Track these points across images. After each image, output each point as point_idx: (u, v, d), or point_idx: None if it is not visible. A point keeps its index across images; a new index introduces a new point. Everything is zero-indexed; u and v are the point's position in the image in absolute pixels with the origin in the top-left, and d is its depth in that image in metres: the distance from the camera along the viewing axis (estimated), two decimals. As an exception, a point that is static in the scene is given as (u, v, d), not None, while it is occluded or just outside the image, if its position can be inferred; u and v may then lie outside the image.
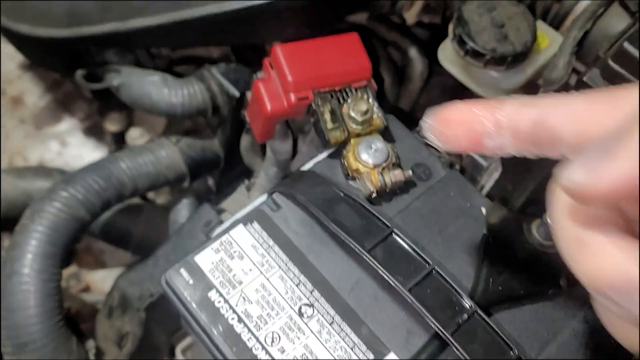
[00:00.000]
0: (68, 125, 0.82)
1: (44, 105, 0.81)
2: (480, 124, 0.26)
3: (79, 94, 0.83)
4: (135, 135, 0.72)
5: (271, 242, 0.43)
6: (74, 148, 0.81)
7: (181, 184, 0.65)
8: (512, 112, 0.25)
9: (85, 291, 0.78)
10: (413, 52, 0.74)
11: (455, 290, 0.39)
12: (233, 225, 0.44)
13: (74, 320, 0.65)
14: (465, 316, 0.38)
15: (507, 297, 0.41)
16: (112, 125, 0.74)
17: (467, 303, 0.39)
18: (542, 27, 0.57)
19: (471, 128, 0.26)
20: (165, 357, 0.63)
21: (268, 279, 0.42)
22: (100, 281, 0.81)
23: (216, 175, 0.70)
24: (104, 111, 0.75)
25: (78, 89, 0.84)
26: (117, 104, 0.65)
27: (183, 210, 0.67)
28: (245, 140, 0.64)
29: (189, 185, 0.66)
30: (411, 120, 0.61)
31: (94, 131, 0.82)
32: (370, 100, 0.49)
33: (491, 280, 0.41)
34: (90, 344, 0.59)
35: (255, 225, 0.44)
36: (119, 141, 0.75)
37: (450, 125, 0.27)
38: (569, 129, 0.23)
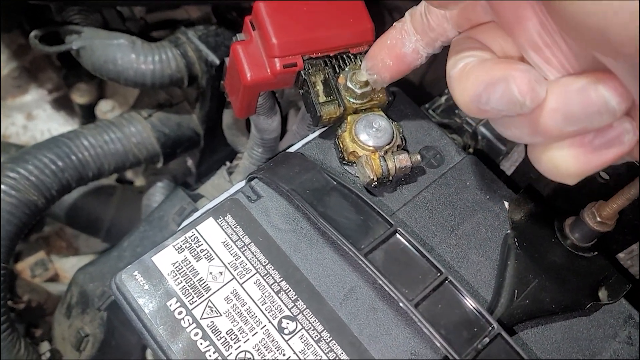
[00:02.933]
0: (35, 97, 0.73)
1: (8, 74, 0.73)
2: (395, 37, 0.32)
3: (48, 62, 0.74)
4: (105, 109, 0.64)
5: (247, 240, 0.35)
6: (41, 122, 0.73)
7: (155, 165, 0.57)
8: (409, 13, 0.31)
9: (53, 280, 0.70)
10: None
11: (473, 305, 0.31)
12: (201, 218, 0.36)
13: (31, 316, 0.58)
14: (486, 339, 0.30)
15: (535, 312, 0.34)
16: (79, 96, 0.66)
17: (488, 322, 0.31)
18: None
19: (391, 46, 0.32)
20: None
21: (242, 285, 0.34)
22: (71, 269, 0.74)
23: (196, 156, 0.62)
24: (71, 81, 0.67)
25: (48, 56, 0.75)
26: (87, 72, 0.56)
27: (157, 194, 0.60)
28: (227, 116, 0.56)
29: (163, 165, 0.58)
30: (421, 96, 0.52)
31: (64, 104, 0.73)
32: (372, 68, 0.40)
33: (516, 291, 0.34)
34: (45, 346, 0.51)
35: (229, 218, 0.36)
36: (87, 115, 0.67)
37: (377, 53, 0.33)
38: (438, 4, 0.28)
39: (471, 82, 0.25)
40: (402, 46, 0.32)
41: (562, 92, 0.23)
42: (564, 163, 0.25)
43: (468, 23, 0.29)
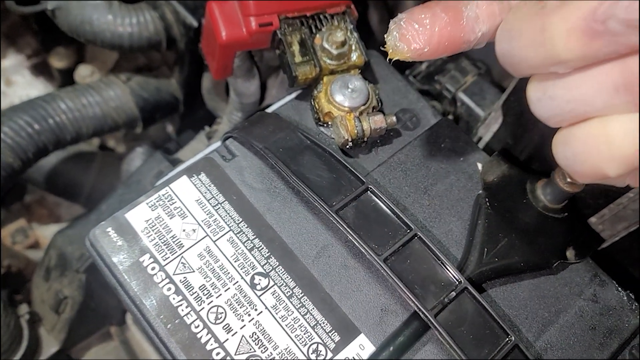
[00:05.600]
0: (13, 62, 0.72)
1: (-15, 39, 0.71)
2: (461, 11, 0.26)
3: (27, 27, 0.73)
4: (84, 73, 0.63)
5: (221, 198, 0.35)
6: (20, 88, 0.71)
7: (133, 129, 0.57)
8: None
9: (33, 247, 0.70)
10: (405, -13, 0.65)
11: (442, 261, 0.32)
12: (175, 176, 0.36)
13: (11, 282, 0.58)
14: (453, 294, 0.31)
15: (503, 270, 0.34)
16: (58, 60, 0.65)
17: (456, 277, 0.32)
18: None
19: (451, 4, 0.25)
20: (115, 324, 0.56)
21: (215, 242, 0.34)
22: (52, 237, 0.74)
23: (175, 121, 0.62)
24: (50, 45, 0.66)
25: (26, 20, 0.74)
26: (65, 36, 0.56)
27: (136, 159, 0.59)
28: (206, 80, 0.56)
29: (143, 131, 0.57)
30: (401, 62, 0.52)
31: (43, 70, 0.72)
32: (349, 30, 0.40)
33: (486, 250, 0.34)
34: (24, 308, 0.51)
35: (203, 177, 0.36)
36: (66, 80, 0.66)
37: (433, 5, 0.26)
38: None
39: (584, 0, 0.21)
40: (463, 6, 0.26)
41: None
42: (622, 138, 0.22)
43: None
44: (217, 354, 0.31)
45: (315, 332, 0.32)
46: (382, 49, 0.27)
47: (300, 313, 0.33)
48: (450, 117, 0.51)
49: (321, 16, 0.40)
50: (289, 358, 0.31)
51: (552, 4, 0.22)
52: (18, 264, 0.63)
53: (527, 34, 0.23)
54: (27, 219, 0.75)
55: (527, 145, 0.42)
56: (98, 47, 0.51)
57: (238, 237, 0.34)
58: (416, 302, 0.30)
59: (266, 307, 0.33)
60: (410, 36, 0.26)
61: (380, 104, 0.40)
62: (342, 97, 0.38)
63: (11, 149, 0.48)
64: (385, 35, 0.26)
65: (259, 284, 0.33)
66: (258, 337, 0.32)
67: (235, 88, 0.48)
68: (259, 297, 0.33)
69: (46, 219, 0.79)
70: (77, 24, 0.50)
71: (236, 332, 0.32)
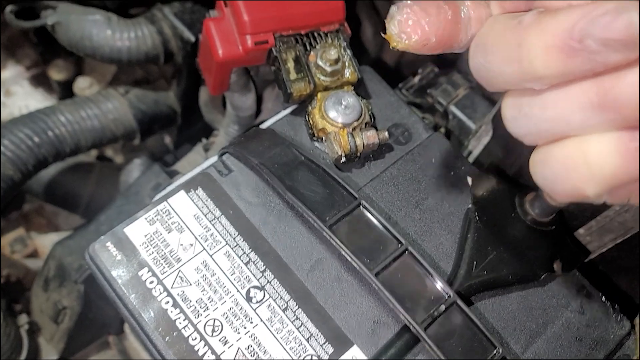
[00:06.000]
0: (12, 73, 0.73)
1: (-15, 50, 0.72)
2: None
3: (26, 39, 0.74)
4: (83, 85, 0.64)
5: (218, 213, 0.36)
6: (19, 99, 0.72)
7: (132, 141, 0.58)
8: None
9: (32, 257, 0.71)
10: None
11: (431, 275, 0.33)
12: (173, 191, 0.37)
13: (10, 291, 0.59)
14: (442, 307, 0.32)
15: (492, 283, 0.35)
16: (57, 72, 0.66)
17: (445, 291, 0.33)
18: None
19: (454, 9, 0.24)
20: (113, 333, 0.57)
21: (212, 256, 0.35)
22: (51, 246, 0.74)
23: (173, 133, 0.63)
24: (49, 57, 0.67)
25: (25, 32, 0.74)
26: (64, 48, 0.56)
27: (135, 171, 0.60)
28: (204, 93, 0.57)
29: (140, 142, 0.58)
30: (395, 77, 0.53)
31: (41, 80, 0.73)
32: (343, 47, 0.41)
33: (475, 263, 0.35)
34: (24, 319, 0.52)
35: (200, 191, 0.37)
36: (65, 92, 0.67)
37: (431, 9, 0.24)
38: None
39: (562, 17, 0.20)
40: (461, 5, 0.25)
41: None
42: (601, 158, 0.21)
43: None
44: (214, 365, 0.32)
45: (309, 344, 0.33)
46: (383, 35, 0.25)
47: (294, 325, 0.34)
48: (442, 130, 0.52)
49: (315, 34, 0.41)
50: (284, 370, 0.32)
51: (528, 19, 0.22)
52: (17, 273, 0.63)
53: (504, 49, 0.22)
54: (26, 228, 0.75)
55: (517, 159, 0.43)
56: (97, 61, 0.52)
57: (234, 251, 0.35)
58: (406, 316, 0.31)
59: (261, 320, 0.34)
60: (417, 24, 0.24)
61: (372, 119, 0.41)
62: (336, 113, 0.39)
63: (11, 161, 0.49)
64: (386, 21, 0.24)
65: (255, 297, 0.34)
66: (254, 350, 0.33)
67: (232, 102, 0.49)
68: (254, 310, 0.34)
69: (45, 228, 0.79)
70: (77, 39, 0.51)
71: (232, 345, 0.33)
